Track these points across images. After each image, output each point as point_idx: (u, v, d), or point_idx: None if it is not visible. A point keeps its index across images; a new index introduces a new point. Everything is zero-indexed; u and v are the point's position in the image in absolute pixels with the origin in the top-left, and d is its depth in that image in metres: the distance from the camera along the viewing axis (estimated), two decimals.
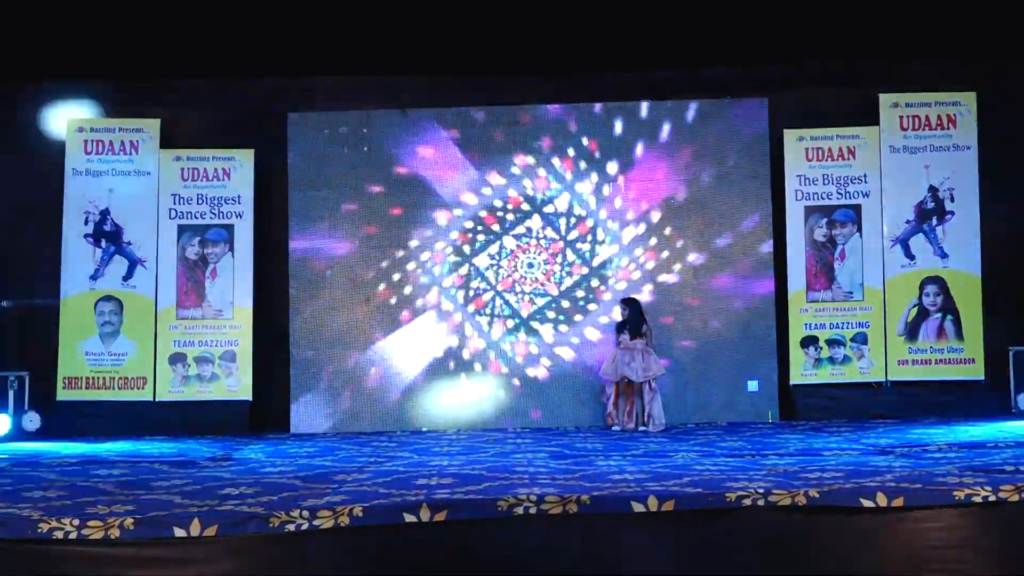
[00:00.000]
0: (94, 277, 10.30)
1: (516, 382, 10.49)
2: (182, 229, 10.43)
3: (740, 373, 10.42)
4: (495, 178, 10.60)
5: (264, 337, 10.56)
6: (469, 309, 10.54)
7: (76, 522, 5.40)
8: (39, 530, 5.37)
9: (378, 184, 10.59)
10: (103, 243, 10.33)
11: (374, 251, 10.57)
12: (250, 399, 10.32)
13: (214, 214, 10.43)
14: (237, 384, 10.31)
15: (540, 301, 10.54)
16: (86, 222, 10.33)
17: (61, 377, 10.20)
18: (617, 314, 10.22)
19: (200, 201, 10.43)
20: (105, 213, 10.36)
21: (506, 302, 10.53)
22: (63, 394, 10.18)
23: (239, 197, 10.45)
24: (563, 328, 10.52)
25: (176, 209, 10.43)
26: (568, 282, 10.55)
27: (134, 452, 8.69)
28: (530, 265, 10.56)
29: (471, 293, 10.54)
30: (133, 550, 5.30)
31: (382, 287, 10.55)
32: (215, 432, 10.05)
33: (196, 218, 10.43)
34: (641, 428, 9.76)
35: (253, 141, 10.59)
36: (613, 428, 9.84)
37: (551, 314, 10.54)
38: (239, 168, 10.48)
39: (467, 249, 10.58)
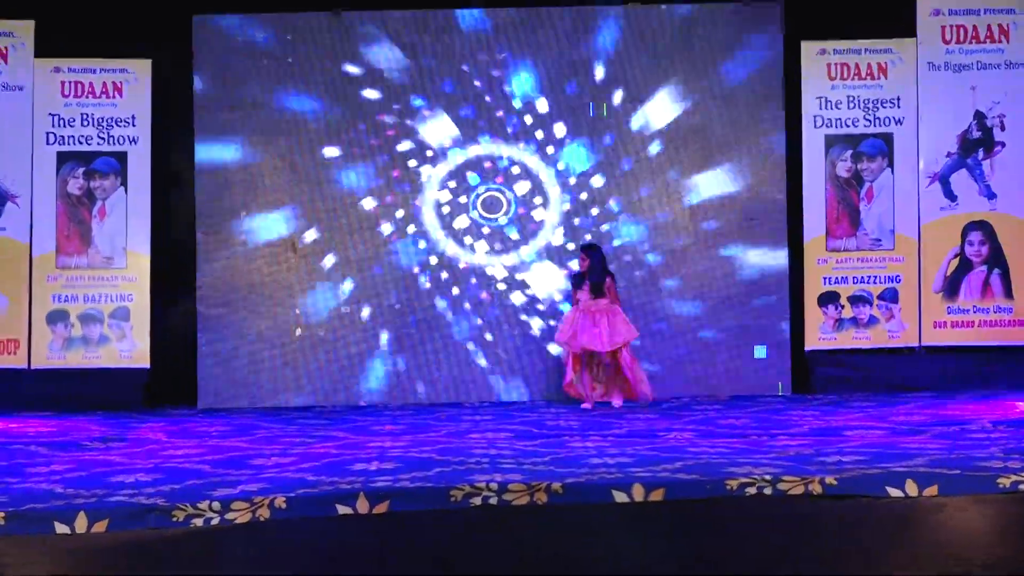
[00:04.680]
0: None
1: (474, 347, 10.49)
2: (63, 158, 10.30)
3: (745, 337, 10.49)
4: (450, 97, 10.53)
5: (165, 291, 10.49)
6: (418, 259, 10.50)
7: None
8: None
9: (305, 104, 10.48)
10: None
11: (301, 187, 10.49)
12: (148, 367, 10.28)
13: (102, 139, 10.31)
14: (132, 348, 10.25)
15: (504, 252, 10.52)
16: None
17: None
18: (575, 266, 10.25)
19: (85, 123, 10.30)
20: None
21: (463, 248, 10.52)
22: None
23: (133, 118, 10.33)
24: (531, 285, 10.51)
25: (55, 133, 10.30)
26: (538, 226, 10.53)
27: (4, 431, 8.62)
28: (490, 205, 10.53)
29: (420, 239, 10.50)
30: (1, 547, 5.28)
31: (311, 231, 10.49)
32: (105, 407, 10.00)
33: (80, 144, 10.30)
34: (606, 400, 9.70)
35: (150, 50, 10.44)
36: (583, 406, 9.66)
37: (517, 267, 10.52)
38: (133, 83, 10.34)
39: (415, 185, 10.52)
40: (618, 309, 9.72)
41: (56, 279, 10.26)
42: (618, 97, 10.53)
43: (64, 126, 10.32)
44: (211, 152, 10.45)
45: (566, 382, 9.84)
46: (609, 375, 9.76)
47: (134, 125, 10.35)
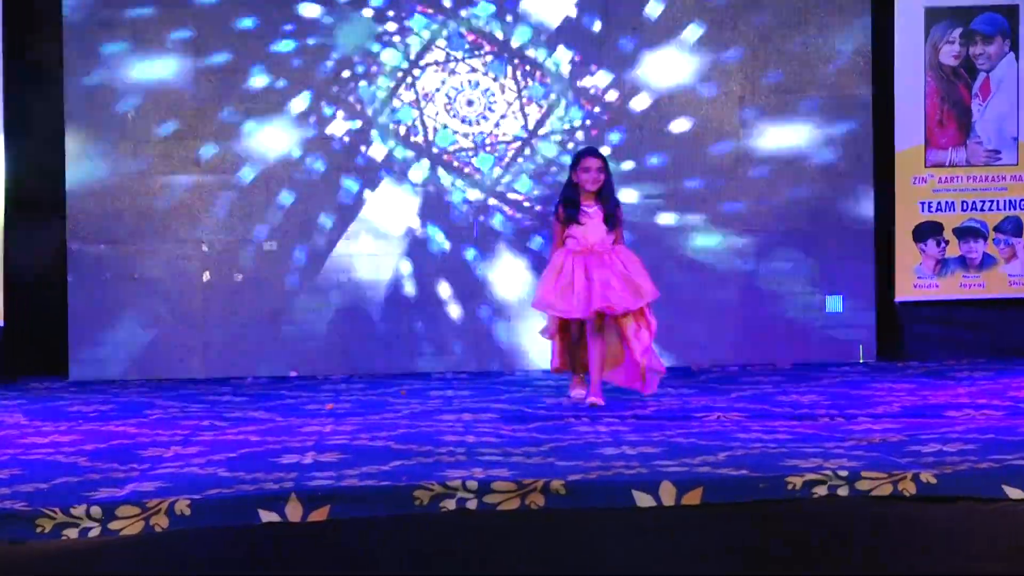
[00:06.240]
0: None
1: (447, 298, 10.50)
2: None
3: (813, 284, 10.54)
4: None
5: (23, 222, 10.47)
6: (367, 175, 10.48)
7: None
8: None
9: None
10: None
11: (208, 78, 10.45)
12: (1, 324, 10.30)
13: None
14: None
15: (488, 160, 10.51)
16: None
17: None
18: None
19: None
20: None
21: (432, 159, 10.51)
22: None
23: None
24: (524, 215, 10.52)
25: None
26: (541, 126, 10.51)
27: None
28: (470, 103, 10.50)
29: (370, 149, 10.47)
30: None
31: (221, 138, 10.45)
32: None
33: None
34: (590, 400, 8.52)
35: None
36: (573, 395, 8.81)
37: (506, 189, 10.52)
38: None
39: (368, 76, 10.49)
40: (630, 252, 8.80)
41: None
42: None
43: None
44: (84, 31, 10.38)
45: (555, 365, 8.91)
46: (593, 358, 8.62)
47: None
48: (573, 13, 10.46)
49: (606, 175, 8.68)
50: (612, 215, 8.66)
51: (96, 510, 5.53)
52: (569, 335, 8.72)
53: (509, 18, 10.46)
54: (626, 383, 8.67)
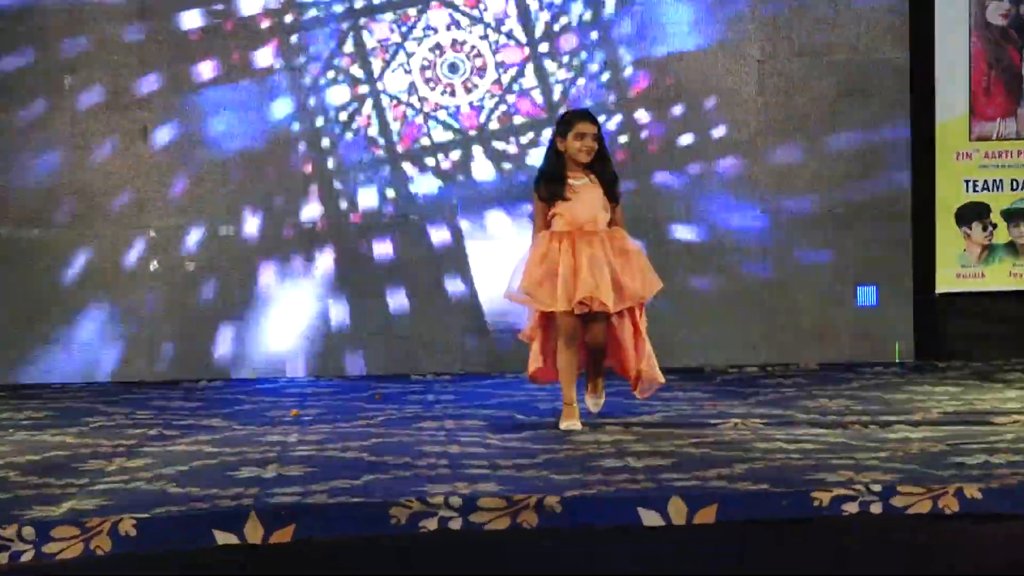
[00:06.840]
0: None
1: (427, 291, 10.50)
2: None
3: (843, 274, 10.57)
4: None
5: None
6: (344, 155, 10.48)
7: None
8: None
9: None
10: None
11: (158, 39, 10.43)
12: None
13: None
14: None
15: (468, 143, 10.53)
16: None
17: None
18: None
19: None
20: None
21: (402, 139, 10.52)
22: None
23: None
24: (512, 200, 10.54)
25: None
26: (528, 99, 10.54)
27: None
28: (453, 68, 10.50)
29: (347, 123, 10.47)
30: None
31: (172, 107, 10.43)
32: None
33: None
34: (589, 403, 8.34)
35: None
36: (563, 427, 8.00)
37: (481, 170, 10.54)
38: None
39: (339, 38, 10.50)
40: (628, 239, 8.18)
41: None
42: None
43: None
44: None
45: (533, 369, 8.24)
46: (588, 353, 8.19)
47: None
48: None
49: (600, 143, 8.03)
50: (613, 189, 8.05)
51: (29, 531, 5.52)
52: (552, 335, 8.05)
53: None
54: (620, 371, 8.27)
